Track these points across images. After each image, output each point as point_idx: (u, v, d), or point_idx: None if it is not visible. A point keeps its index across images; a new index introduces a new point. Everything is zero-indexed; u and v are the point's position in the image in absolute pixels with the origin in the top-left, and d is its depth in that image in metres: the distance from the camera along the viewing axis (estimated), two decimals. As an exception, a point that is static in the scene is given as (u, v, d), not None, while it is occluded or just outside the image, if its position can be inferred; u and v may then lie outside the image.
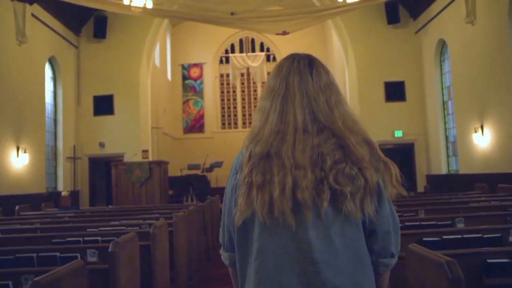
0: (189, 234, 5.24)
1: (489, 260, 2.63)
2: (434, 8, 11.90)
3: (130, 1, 8.30)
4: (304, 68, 1.33)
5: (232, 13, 7.90)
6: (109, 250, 2.52)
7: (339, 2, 9.04)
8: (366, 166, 1.23)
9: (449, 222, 4.36)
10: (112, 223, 5.90)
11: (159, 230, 3.44)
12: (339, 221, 1.22)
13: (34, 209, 9.02)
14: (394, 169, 1.28)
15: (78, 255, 3.45)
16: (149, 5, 8.29)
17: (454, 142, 11.56)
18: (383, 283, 1.36)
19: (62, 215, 7.43)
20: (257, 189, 1.21)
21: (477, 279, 2.54)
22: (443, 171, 12.06)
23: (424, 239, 3.40)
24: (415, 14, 13.16)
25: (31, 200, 9.75)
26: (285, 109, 1.28)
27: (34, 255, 3.49)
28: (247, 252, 1.28)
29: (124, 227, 5.30)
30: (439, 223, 4.34)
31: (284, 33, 9.12)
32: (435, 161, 12.54)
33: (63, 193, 11.44)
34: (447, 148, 12.11)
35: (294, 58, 1.37)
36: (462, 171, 10.83)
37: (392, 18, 13.07)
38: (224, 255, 1.42)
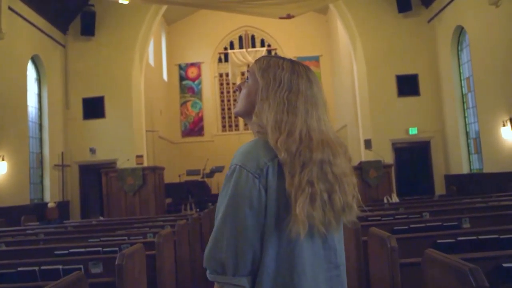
0: (180, 253, 4.25)
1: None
2: (449, -7, 10.92)
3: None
4: (315, 77, 1.36)
5: (229, -7, 6.97)
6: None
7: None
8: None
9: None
10: (91, 241, 4.96)
11: (127, 261, 2.45)
12: (341, 226, 1.31)
13: (13, 224, 8.07)
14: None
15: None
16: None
17: (476, 138, 10.53)
18: None
19: (40, 231, 6.48)
20: (320, 198, 1.20)
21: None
22: (465, 170, 11.03)
23: (504, 265, 2.40)
24: (427, 1, 12.18)
25: (11, 214, 8.80)
26: (318, 118, 1.29)
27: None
28: (281, 266, 1.19)
29: (100, 248, 4.34)
30: (501, 237, 3.33)
31: (289, 16, 8.16)
32: (454, 160, 11.51)
33: (49, 205, 10.45)
34: (468, 145, 11.08)
35: (303, 66, 1.37)
36: (488, 169, 9.80)
37: (403, 5, 12.08)
38: (241, 281, 1.19)
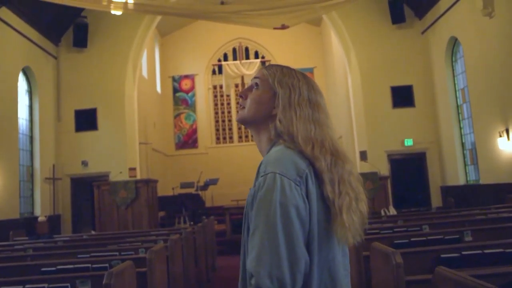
0: (173, 269, 4.08)
1: None
2: (442, 4, 10.94)
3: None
4: (321, 90, 1.38)
5: (222, 2, 6.86)
6: None
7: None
8: None
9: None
10: (80, 257, 4.78)
11: (116, 279, 2.29)
12: None
13: (2, 239, 7.85)
14: None
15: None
16: (131, 0, 7.28)
17: (472, 149, 10.47)
18: None
19: (28, 246, 6.27)
20: (354, 207, 1.23)
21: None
22: (461, 181, 10.94)
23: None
24: (420, 13, 12.22)
25: (-1, 228, 8.58)
26: (333, 129, 1.33)
27: None
28: (323, 274, 1.20)
29: (89, 265, 4.17)
30: (507, 250, 3.20)
31: (284, 27, 8.09)
32: (450, 171, 11.43)
33: (39, 219, 10.21)
34: (464, 156, 11.02)
35: (311, 78, 1.37)
36: (484, 181, 9.72)
37: (397, 17, 12.09)
38: None
